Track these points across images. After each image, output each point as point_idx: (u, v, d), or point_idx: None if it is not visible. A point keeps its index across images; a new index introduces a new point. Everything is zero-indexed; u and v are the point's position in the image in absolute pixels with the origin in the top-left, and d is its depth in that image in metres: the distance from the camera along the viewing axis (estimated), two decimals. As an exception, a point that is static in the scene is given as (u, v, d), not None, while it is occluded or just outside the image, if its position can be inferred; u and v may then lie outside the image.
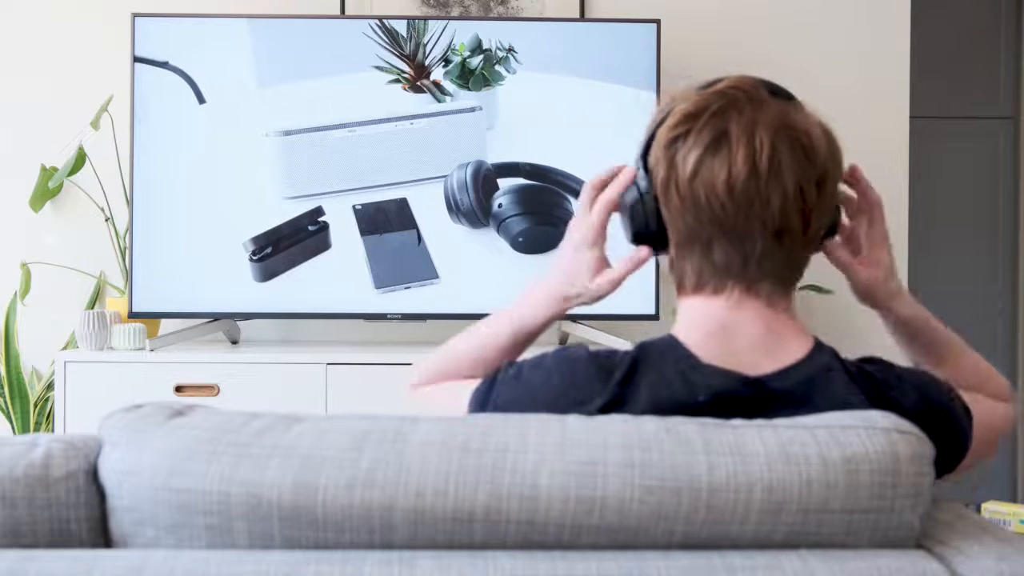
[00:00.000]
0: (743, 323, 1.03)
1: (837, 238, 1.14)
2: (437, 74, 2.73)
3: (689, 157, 1.01)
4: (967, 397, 1.16)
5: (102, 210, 2.88)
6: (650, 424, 0.87)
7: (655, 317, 2.69)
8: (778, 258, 1.03)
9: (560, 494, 0.82)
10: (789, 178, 1.00)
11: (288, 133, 2.70)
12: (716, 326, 1.03)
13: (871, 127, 3.03)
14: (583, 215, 1.14)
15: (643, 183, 1.07)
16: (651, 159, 1.06)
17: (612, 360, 1.03)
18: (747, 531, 0.83)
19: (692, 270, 1.05)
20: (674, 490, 0.82)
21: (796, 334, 1.05)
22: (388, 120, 2.72)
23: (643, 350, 1.03)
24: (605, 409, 0.99)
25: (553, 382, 1.03)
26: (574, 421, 0.88)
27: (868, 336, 2.93)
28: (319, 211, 2.72)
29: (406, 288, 2.73)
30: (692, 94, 1.05)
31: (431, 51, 2.72)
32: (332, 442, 0.85)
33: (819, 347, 1.05)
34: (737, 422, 0.88)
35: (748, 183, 0.99)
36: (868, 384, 1.03)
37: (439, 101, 2.73)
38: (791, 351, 1.03)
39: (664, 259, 1.10)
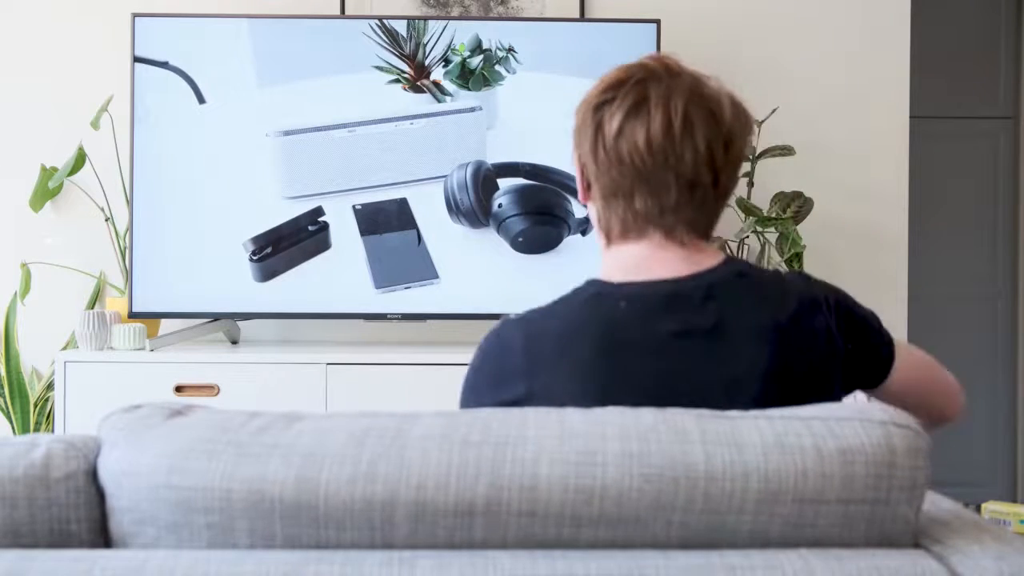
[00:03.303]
0: (663, 259, 1.16)
1: None
2: (437, 74, 2.73)
3: (614, 119, 1.16)
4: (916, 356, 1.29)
5: (102, 210, 2.88)
6: (647, 416, 0.88)
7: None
8: (691, 208, 1.17)
9: (560, 483, 0.82)
10: (700, 138, 1.14)
11: (288, 133, 2.71)
12: (635, 263, 1.16)
13: (871, 127, 3.02)
14: None
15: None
16: (577, 122, 1.21)
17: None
18: (744, 521, 0.83)
19: (617, 219, 1.18)
20: (672, 479, 0.83)
21: (710, 254, 1.17)
22: (388, 120, 2.72)
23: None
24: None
25: (487, 367, 1.16)
26: (572, 413, 0.89)
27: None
28: (319, 211, 2.72)
29: (406, 288, 2.74)
30: (614, 70, 1.21)
31: (431, 51, 2.73)
32: (333, 439, 0.85)
33: (732, 259, 1.19)
34: (733, 413, 0.89)
35: (664, 141, 1.14)
36: (776, 292, 1.15)
37: (439, 101, 2.73)
38: (705, 263, 1.16)
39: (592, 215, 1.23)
